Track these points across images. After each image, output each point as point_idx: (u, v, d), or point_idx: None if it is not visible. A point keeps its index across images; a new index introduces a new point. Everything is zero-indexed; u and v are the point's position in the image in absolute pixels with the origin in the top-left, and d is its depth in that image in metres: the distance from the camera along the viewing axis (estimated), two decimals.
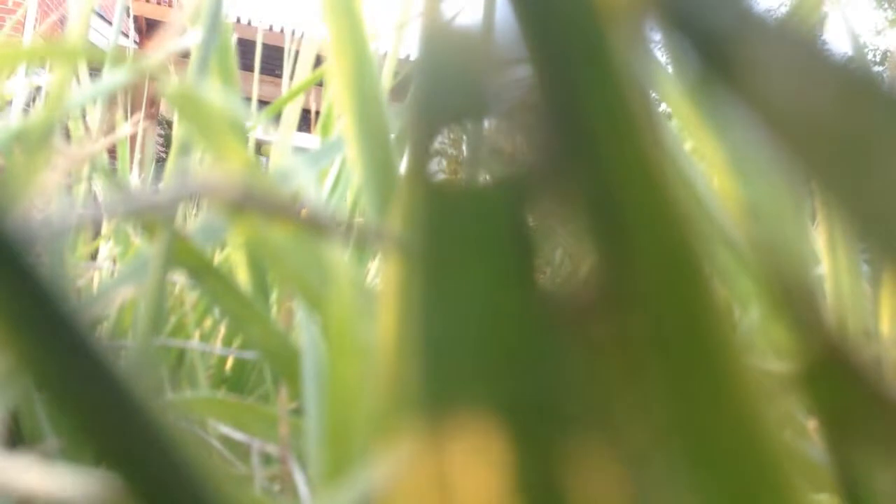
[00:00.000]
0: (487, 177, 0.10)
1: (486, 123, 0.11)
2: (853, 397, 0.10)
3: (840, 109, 0.08)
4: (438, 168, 0.10)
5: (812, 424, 0.20)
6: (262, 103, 1.13)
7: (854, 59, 0.10)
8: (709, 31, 0.09)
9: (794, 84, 0.08)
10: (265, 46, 1.11)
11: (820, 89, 0.08)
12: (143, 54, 0.37)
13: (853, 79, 0.08)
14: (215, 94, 0.33)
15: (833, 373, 0.10)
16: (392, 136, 0.32)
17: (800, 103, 0.08)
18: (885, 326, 0.32)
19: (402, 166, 0.32)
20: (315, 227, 0.21)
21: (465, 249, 0.10)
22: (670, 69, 0.29)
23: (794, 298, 0.10)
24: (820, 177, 0.08)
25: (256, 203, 0.20)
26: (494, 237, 0.10)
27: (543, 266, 0.10)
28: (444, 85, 0.10)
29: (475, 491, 0.10)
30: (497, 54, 0.10)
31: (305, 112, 0.93)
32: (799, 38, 0.08)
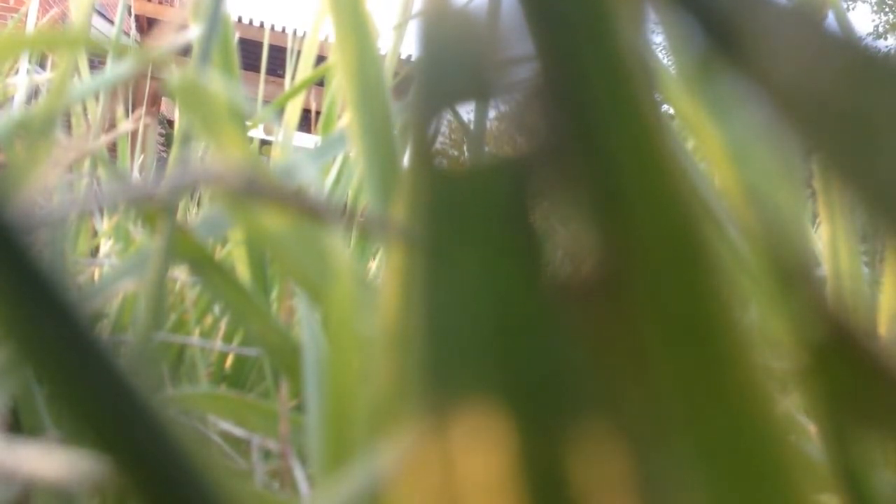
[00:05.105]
0: (490, 159, 0.10)
1: (489, 106, 0.11)
2: (859, 378, 0.10)
3: (846, 86, 0.08)
4: (441, 154, 0.10)
5: (812, 426, 0.20)
6: (265, 103, 1.14)
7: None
8: (714, 9, 0.09)
9: (800, 61, 0.08)
10: (268, 47, 1.11)
11: (826, 66, 0.08)
12: (144, 49, 0.37)
13: (859, 55, 0.07)
14: (217, 84, 0.33)
15: (838, 353, 0.10)
16: (395, 128, 0.32)
17: (806, 80, 0.08)
18: (884, 326, 0.32)
19: (405, 158, 0.32)
20: (317, 216, 0.21)
21: (467, 233, 0.10)
22: (670, 69, 0.29)
23: (798, 281, 0.10)
24: (826, 153, 0.08)
25: (258, 191, 0.20)
26: (497, 220, 0.10)
27: (547, 249, 0.10)
28: (448, 67, 0.10)
29: (480, 478, 0.10)
30: (500, 36, 0.10)
31: (306, 112, 0.93)
32: (804, 15, 0.08)
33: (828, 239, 0.35)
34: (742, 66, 0.09)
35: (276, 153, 0.56)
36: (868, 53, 0.08)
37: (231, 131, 0.34)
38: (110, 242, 0.80)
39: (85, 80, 0.83)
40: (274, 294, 0.56)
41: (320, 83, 0.80)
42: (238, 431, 0.38)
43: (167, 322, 0.59)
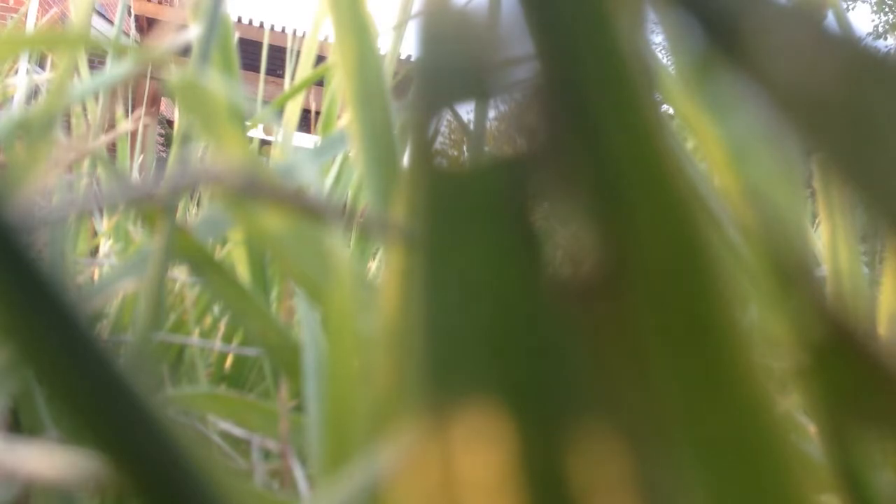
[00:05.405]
0: (490, 159, 0.10)
1: (489, 106, 0.11)
2: (859, 378, 0.10)
3: (846, 86, 0.08)
4: (441, 154, 0.10)
5: (812, 426, 0.20)
6: (265, 103, 1.13)
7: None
8: (714, 8, 0.09)
9: (800, 61, 0.08)
10: (268, 47, 1.11)
11: (826, 66, 0.08)
12: (144, 49, 0.37)
13: (859, 55, 0.07)
14: (217, 84, 0.33)
15: (838, 353, 0.10)
16: (395, 128, 0.32)
17: (806, 80, 0.08)
18: (884, 326, 0.32)
19: (405, 158, 0.32)
20: (317, 216, 0.21)
21: (467, 233, 0.10)
22: (670, 69, 0.29)
23: (798, 281, 0.10)
24: (826, 153, 0.08)
25: (258, 191, 0.20)
26: (497, 220, 0.10)
27: (547, 249, 0.10)
28: (448, 67, 0.10)
29: (479, 478, 0.10)
30: (500, 36, 0.10)
31: (306, 112, 0.93)
32: (804, 15, 0.08)
33: (828, 239, 0.35)
34: (742, 66, 0.09)
35: (275, 153, 0.56)
36: (868, 53, 0.08)
37: (231, 131, 0.34)
38: (110, 242, 0.80)
39: (85, 80, 0.83)
40: (274, 294, 0.56)
41: (320, 83, 0.80)
42: (238, 431, 0.38)
43: (167, 322, 0.59)
